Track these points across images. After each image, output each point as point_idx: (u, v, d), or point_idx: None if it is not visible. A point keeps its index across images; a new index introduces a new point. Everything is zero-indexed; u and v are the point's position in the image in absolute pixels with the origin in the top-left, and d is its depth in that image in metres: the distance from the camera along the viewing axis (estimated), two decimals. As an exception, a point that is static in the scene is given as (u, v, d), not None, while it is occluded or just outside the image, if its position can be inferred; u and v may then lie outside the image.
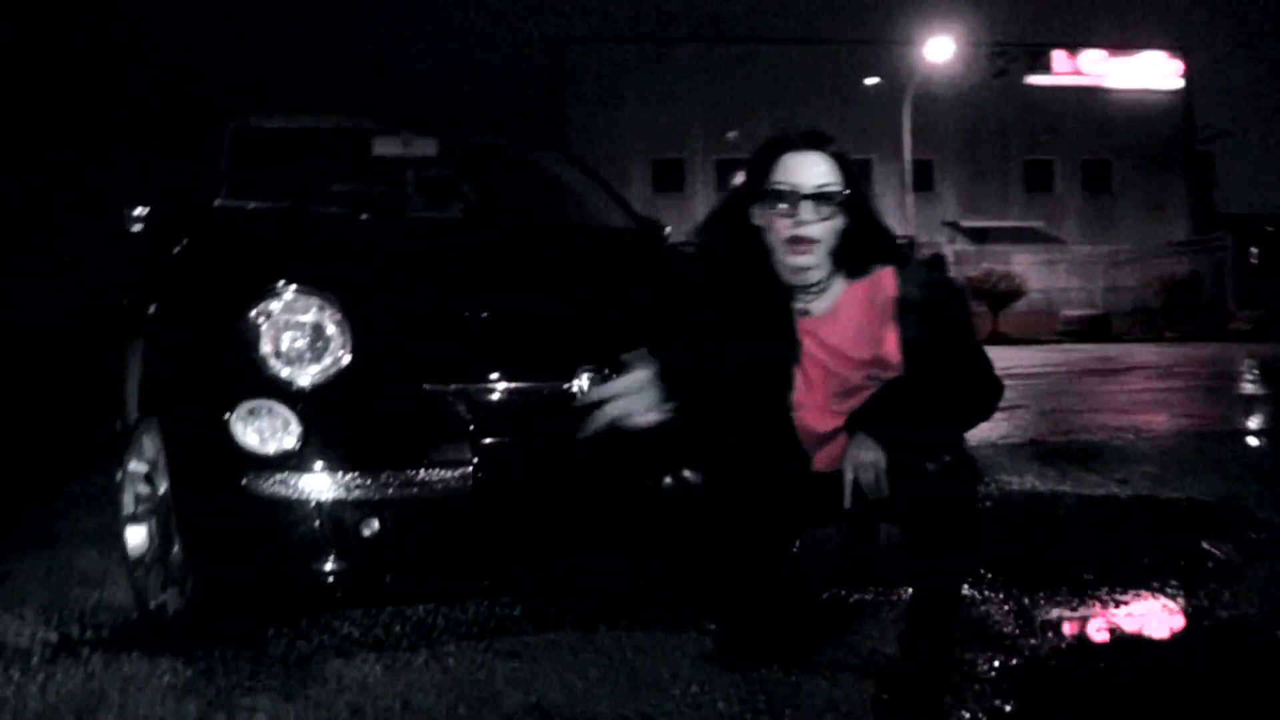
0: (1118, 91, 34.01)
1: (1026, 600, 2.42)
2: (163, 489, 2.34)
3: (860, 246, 1.90)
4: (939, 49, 24.73)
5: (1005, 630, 2.23)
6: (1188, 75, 34.73)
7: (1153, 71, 34.50)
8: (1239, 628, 2.26)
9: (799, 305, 1.94)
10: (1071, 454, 4.69)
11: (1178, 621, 2.35)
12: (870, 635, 2.19)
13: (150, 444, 2.38)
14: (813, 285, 1.92)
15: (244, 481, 1.95)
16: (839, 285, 1.93)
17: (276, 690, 1.94)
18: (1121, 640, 2.25)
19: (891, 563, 2.13)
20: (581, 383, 2.14)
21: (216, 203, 2.70)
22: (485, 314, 2.24)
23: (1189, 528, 3.28)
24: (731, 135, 32.12)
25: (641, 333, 2.18)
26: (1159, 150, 34.11)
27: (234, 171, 2.90)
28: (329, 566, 1.98)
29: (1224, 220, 30.57)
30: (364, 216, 2.69)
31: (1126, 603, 2.43)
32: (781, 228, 1.84)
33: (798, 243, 1.83)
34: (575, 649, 2.16)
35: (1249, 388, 8.69)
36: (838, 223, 1.86)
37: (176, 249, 2.44)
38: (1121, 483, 3.94)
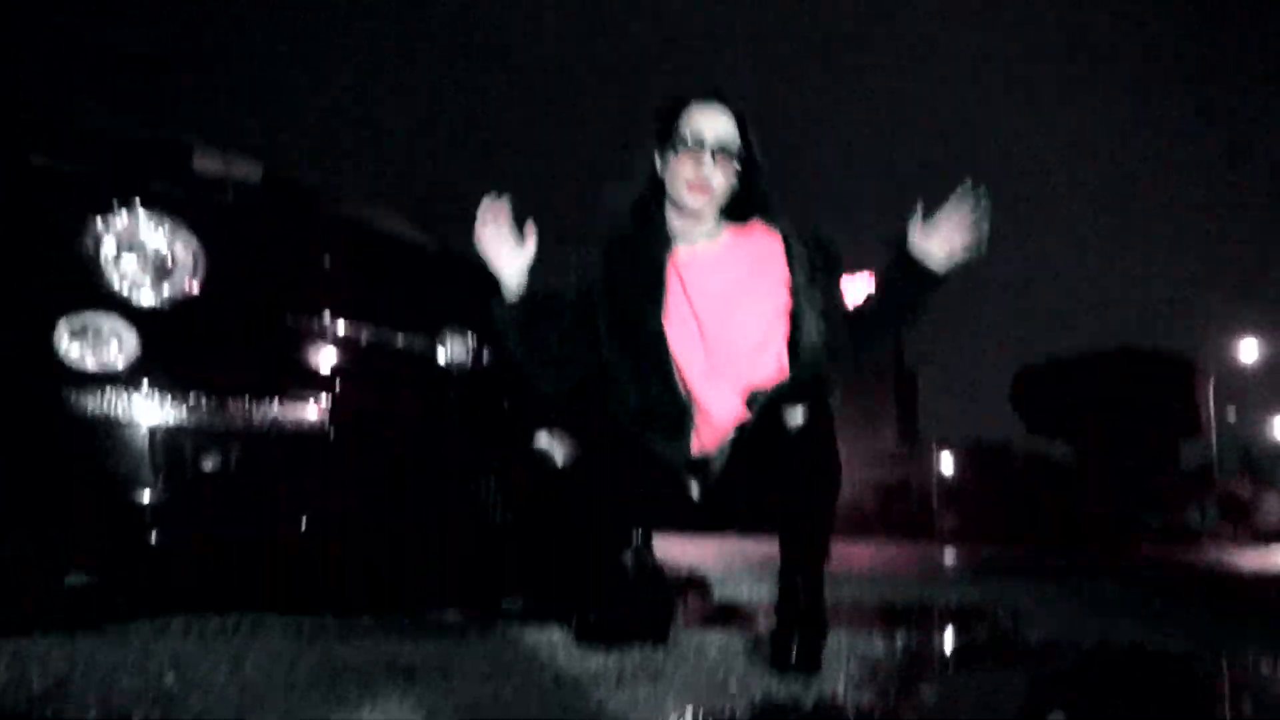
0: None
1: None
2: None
3: (746, 202, 2.00)
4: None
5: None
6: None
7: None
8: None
9: (681, 244, 1.99)
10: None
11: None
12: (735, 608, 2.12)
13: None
14: (698, 230, 1.99)
15: (65, 397, 1.68)
16: (722, 233, 2.01)
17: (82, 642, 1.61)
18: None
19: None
20: (449, 347, 2.07)
21: (34, 160, 2.42)
22: (347, 264, 2.12)
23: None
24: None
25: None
26: (874, 368, 37.70)
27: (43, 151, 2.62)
28: (156, 500, 1.70)
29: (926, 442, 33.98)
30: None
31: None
32: (684, 170, 1.92)
33: (696, 187, 1.91)
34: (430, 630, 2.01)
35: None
36: (733, 176, 1.95)
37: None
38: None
